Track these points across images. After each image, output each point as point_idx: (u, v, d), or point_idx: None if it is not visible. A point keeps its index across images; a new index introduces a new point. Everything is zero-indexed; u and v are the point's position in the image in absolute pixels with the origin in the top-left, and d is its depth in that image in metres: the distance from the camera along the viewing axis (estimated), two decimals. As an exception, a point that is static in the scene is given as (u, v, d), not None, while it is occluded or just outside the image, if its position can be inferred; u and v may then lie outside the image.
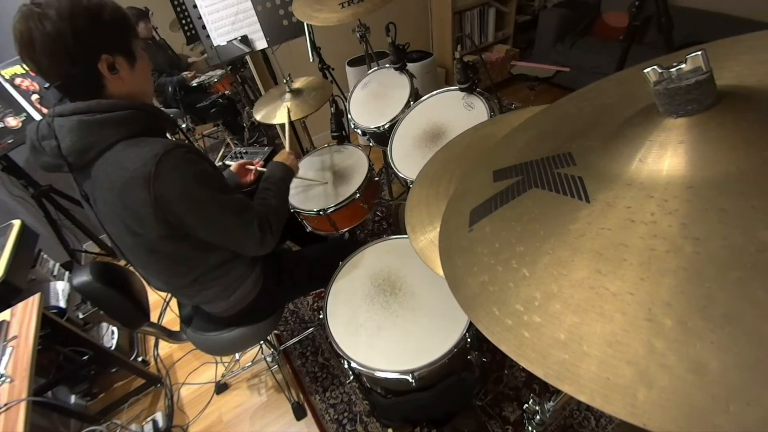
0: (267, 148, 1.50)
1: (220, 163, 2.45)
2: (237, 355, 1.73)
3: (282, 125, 1.42)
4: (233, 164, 1.22)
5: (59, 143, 0.72)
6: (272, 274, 1.12)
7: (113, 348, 1.69)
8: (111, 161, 0.74)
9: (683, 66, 0.33)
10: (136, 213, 0.75)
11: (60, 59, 0.70)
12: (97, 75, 0.74)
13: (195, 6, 1.67)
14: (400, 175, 1.25)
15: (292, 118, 1.49)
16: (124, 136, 0.74)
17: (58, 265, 1.96)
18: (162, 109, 0.89)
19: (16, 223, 1.68)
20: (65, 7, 0.68)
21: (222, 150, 3.15)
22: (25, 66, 1.80)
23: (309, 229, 1.43)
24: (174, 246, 0.84)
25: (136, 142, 0.75)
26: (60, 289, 1.67)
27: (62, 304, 1.60)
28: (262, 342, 1.39)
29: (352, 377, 0.98)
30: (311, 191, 1.42)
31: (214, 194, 0.82)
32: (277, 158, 1.15)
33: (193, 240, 0.85)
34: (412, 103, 1.41)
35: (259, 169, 1.22)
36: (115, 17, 0.74)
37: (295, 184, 1.45)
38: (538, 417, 0.73)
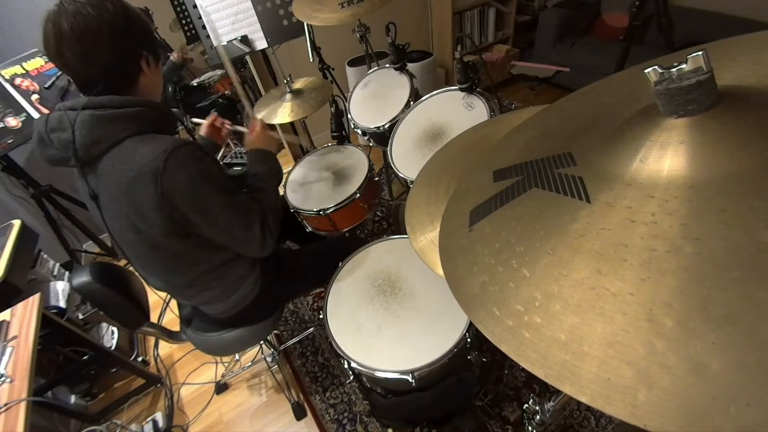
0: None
1: (222, 163, 2.45)
2: (237, 355, 1.73)
3: (282, 124, 1.41)
4: (202, 128, 1.19)
5: (74, 135, 0.72)
6: (272, 273, 1.12)
7: (113, 348, 1.69)
8: (120, 156, 0.75)
9: (684, 66, 0.32)
10: (142, 208, 0.76)
11: (116, 49, 0.74)
12: (138, 69, 0.79)
13: (195, 6, 1.66)
14: (400, 175, 1.25)
15: (292, 119, 1.49)
16: (133, 132, 0.76)
17: (58, 265, 1.96)
18: (168, 107, 0.91)
19: (16, 223, 1.68)
20: (118, 4, 0.73)
21: (222, 150, 3.15)
22: (25, 66, 1.81)
23: (309, 229, 1.43)
24: (178, 244, 0.84)
25: (145, 139, 0.76)
26: (60, 289, 1.67)
27: (62, 304, 1.60)
28: (262, 342, 1.39)
29: (352, 377, 0.98)
30: (311, 191, 1.42)
31: (219, 193, 0.83)
32: (250, 139, 1.10)
33: (198, 238, 0.86)
34: (412, 103, 1.41)
35: (229, 127, 1.20)
36: (146, 20, 0.80)
37: (295, 183, 1.45)
38: (538, 417, 0.73)
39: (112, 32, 0.72)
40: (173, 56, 2.73)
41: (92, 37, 0.70)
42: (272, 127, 1.42)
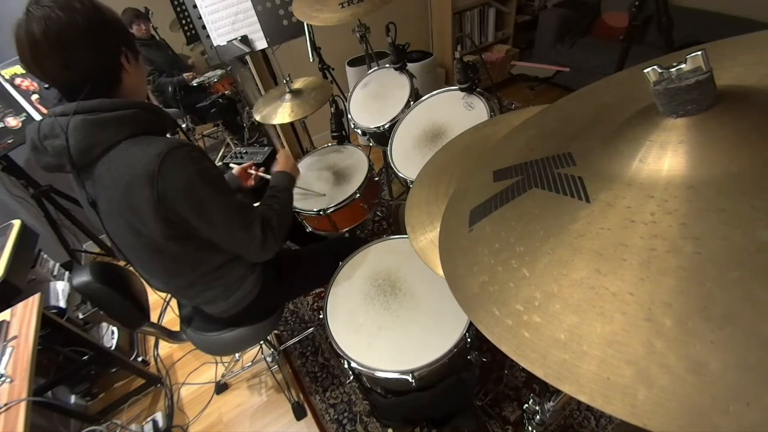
0: (267, 147, 1.50)
1: (221, 164, 2.46)
2: (237, 355, 1.73)
3: (280, 125, 1.41)
4: (235, 168, 1.23)
5: (68, 142, 0.71)
6: (272, 273, 1.12)
7: (113, 348, 1.69)
8: (115, 160, 0.74)
9: (683, 66, 0.32)
10: (139, 212, 0.75)
11: (94, 49, 0.72)
12: (119, 67, 0.77)
13: (195, 6, 1.67)
14: (400, 175, 1.25)
15: (292, 119, 1.49)
16: (127, 135, 0.75)
17: (58, 265, 1.96)
18: (162, 108, 0.90)
19: (16, 223, 1.68)
20: (86, 1, 0.70)
21: (222, 150, 3.15)
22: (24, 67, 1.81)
23: (309, 229, 1.43)
24: (178, 246, 0.84)
25: (140, 141, 0.75)
26: (60, 289, 1.67)
27: (62, 304, 1.60)
28: (262, 342, 1.39)
29: (352, 377, 0.98)
30: (312, 191, 1.42)
31: (216, 194, 0.82)
32: (279, 167, 1.15)
33: (197, 240, 0.86)
34: (412, 103, 1.41)
35: (260, 174, 1.22)
36: (117, 15, 0.77)
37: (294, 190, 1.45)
38: (538, 417, 0.73)
39: (85, 32, 0.69)
40: (187, 76, 2.76)
41: (67, 41, 0.68)
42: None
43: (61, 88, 0.75)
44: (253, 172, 1.23)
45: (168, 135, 0.86)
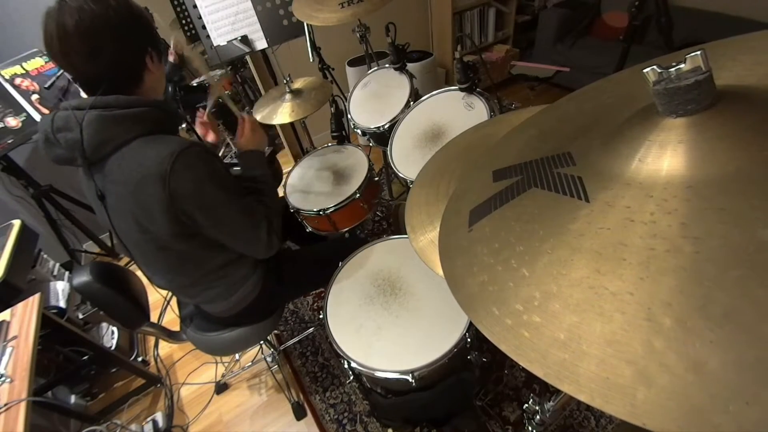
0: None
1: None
2: (237, 355, 1.73)
3: (280, 125, 1.41)
4: (198, 129, 1.18)
5: (82, 135, 0.72)
6: (273, 274, 1.12)
7: (113, 348, 1.69)
8: (127, 157, 0.75)
9: (682, 66, 0.32)
10: (149, 209, 0.76)
11: (122, 45, 0.72)
12: (143, 66, 0.78)
13: (195, 6, 1.67)
14: (400, 175, 1.25)
15: (292, 119, 1.49)
16: (140, 134, 0.75)
17: (58, 265, 1.96)
18: (174, 107, 0.91)
19: (16, 223, 1.68)
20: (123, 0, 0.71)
21: (222, 150, 3.15)
22: (25, 66, 1.81)
23: (309, 229, 1.43)
24: (183, 244, 0.84)
25: (153, 140, 0.76)
26: (60, 289, 1.67)
27: (62, 304, 1.60)
28: (262, 342, 1.39)
29: (352, 377, 0.98)
30: (312, 191, 1.42)
31: (227, 195, 0.83)
32: (244, 140, 1.04)
33: (203, 239, 0.86)
34: (412, 103, 1.41)
35: (216, 121, 1.19)
36: (147, 14, 0.78)
37: (294, 187, 1.45)
38: (538, 417, 0.73)
39: (116, 28, 0.70)
40: (171, 58, 2.73)
41: (97, 34, 0.68)
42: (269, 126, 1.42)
43: (82, 81, 0.76)
44: (204, 117, 1.15)
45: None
